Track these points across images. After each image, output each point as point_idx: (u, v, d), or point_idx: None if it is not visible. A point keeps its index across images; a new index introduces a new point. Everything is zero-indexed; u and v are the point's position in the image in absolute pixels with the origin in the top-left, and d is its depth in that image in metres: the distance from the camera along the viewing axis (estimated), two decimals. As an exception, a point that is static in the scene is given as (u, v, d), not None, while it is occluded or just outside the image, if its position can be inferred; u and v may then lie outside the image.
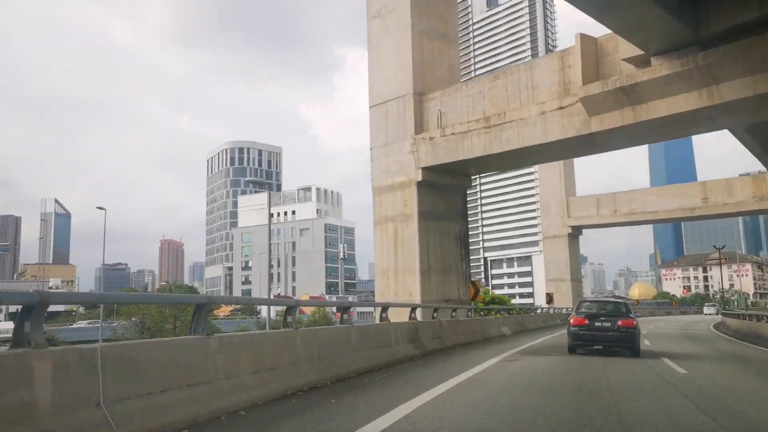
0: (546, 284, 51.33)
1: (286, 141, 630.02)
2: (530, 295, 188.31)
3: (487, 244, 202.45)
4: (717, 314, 61.39)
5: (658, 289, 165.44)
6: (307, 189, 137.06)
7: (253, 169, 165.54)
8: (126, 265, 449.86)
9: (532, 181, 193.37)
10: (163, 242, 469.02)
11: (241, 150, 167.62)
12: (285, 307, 8.73)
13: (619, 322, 14.22)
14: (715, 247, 55.68)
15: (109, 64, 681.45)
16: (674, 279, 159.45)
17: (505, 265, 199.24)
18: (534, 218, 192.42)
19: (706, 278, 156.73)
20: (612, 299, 19.24)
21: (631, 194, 48.00)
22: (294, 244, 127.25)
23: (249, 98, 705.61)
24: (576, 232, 50.12)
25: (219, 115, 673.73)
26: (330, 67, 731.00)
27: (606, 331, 14.28)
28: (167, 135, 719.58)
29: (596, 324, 14.40)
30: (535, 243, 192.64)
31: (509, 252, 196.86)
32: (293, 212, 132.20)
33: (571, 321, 14.87)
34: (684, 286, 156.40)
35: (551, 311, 38.17)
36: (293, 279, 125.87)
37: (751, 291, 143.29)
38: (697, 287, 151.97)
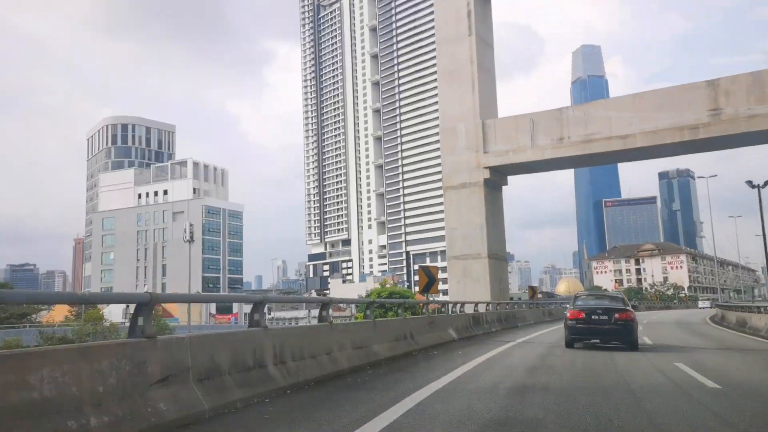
0: (448, 263, 30.60)
1: (212, 137, 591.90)
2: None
3: (410, 237, 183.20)
4: (712, 308, 60.77)
5: (585, 284, 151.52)
6: (182, 163, 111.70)
7: (139, 149, 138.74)
8: (34, 265, 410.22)
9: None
10: (77, 241, 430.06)
11: (125, 127, 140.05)
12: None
13: (616, 315, 13.69)
14: (752, 184, 34.25)
15: (21, 54, 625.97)
16: (605, 272, 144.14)
17: (428, 259, 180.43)
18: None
19: (639, 270, 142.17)
20: (609, 293, 21.08)
21: (587, 109, 27.44)
22: (165, 230, 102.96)
23: (174, 92, 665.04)
24: (497, 177, 29.50)
25: (141, 109, 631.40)
26: (260, 61, 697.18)
27: (603, 324, 13.74)
28: (86, 128, 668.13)
29: (593, 317, 13.83)
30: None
31: (433, 246, 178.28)
32: (165, 192, 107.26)
33: (568, 315, 14.24)
34: (615, 280, 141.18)
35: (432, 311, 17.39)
36: (163, 273, 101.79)
37: (686, 284, 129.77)
38: (629, 280, 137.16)
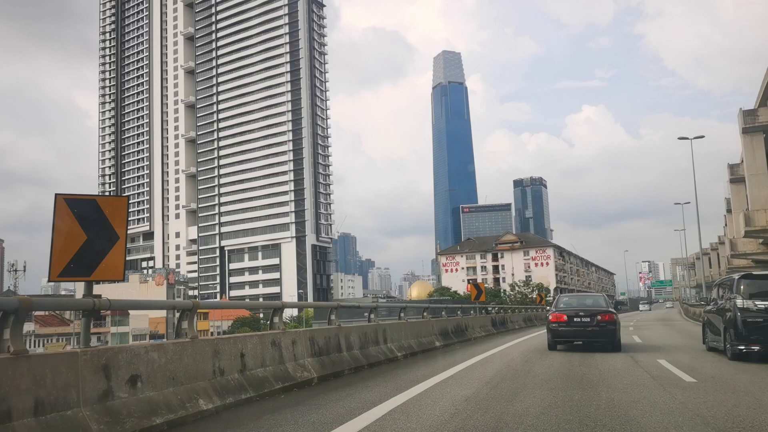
0: None
1: (57, 134, 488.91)
2: (277, 295, 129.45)
3: (225, 229, 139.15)
4: (650, 310, 73.19)
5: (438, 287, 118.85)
6: None
7: None
8: None
9: (284, 140, 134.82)
10: None
11: None
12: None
13: (599, 317, 12.95)
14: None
15: None
16: (456, 270, 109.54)
17: (247, 257, 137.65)
18: (286, 192, 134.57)
19: (496, 268, 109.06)
20: (591, 294, 20.83)
21: None
22: None
23: (9, 80, 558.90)
24: None
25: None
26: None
27: (585, 326, 12.99)
28: None
29: (575, 319, 13.11)
30: (285, 226, 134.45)
31: (253, 239, 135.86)
32: None
33: (550, 317, 13.44)
34: (469, 280, 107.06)
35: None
36: None
37: (553, 284, 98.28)
38: (485, 279, 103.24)
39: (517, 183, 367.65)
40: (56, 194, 4.70)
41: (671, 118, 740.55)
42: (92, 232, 4.73)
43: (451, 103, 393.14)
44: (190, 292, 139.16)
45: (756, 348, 9.88)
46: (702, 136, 28.34)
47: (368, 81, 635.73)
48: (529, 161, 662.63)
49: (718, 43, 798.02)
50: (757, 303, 10.13)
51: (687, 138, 27.12)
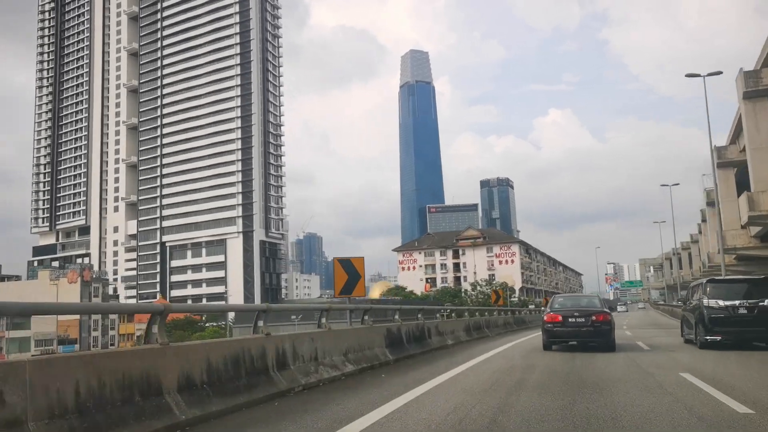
0: None
1: (16, 127, 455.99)
2: (222, 295, 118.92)
3: (167, 223, 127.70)
4: (627, 311, 71.01)
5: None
6: None
7: None
8: None
9: (232, 127, 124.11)
10: None
11: None
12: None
13: (593, 317, 13.04)
14: None
15: None
16: (414, 268, 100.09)
17: (190, 253, 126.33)
18: (233, 183, 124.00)
19: (458, 266, 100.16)
20: (585, 294, 19.92)
21: None
22: None
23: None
24: None
25: None
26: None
27: (580, 326, 13.06)
28: None
29: (570, 320, 13.20)
30: (231, 220, 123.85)
31: (197, 234, 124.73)
32: None
33: (545, 318, 13.56)
34: (427, 279, 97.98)
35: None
36: None
37: (519, 284, 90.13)
38: (445, 279, 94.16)
39: (484, 183, 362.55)
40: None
41: (636, 122, 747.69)
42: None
43: (418, 102, 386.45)
44: (129, 292, 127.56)
45: (718, 338, 12.09)
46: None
47: (339, 80, 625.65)
48: (496, 163, 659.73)
49: (681, 49, 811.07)
50: (719, 302, 12.37)
51: (699, 75, 19.94)
